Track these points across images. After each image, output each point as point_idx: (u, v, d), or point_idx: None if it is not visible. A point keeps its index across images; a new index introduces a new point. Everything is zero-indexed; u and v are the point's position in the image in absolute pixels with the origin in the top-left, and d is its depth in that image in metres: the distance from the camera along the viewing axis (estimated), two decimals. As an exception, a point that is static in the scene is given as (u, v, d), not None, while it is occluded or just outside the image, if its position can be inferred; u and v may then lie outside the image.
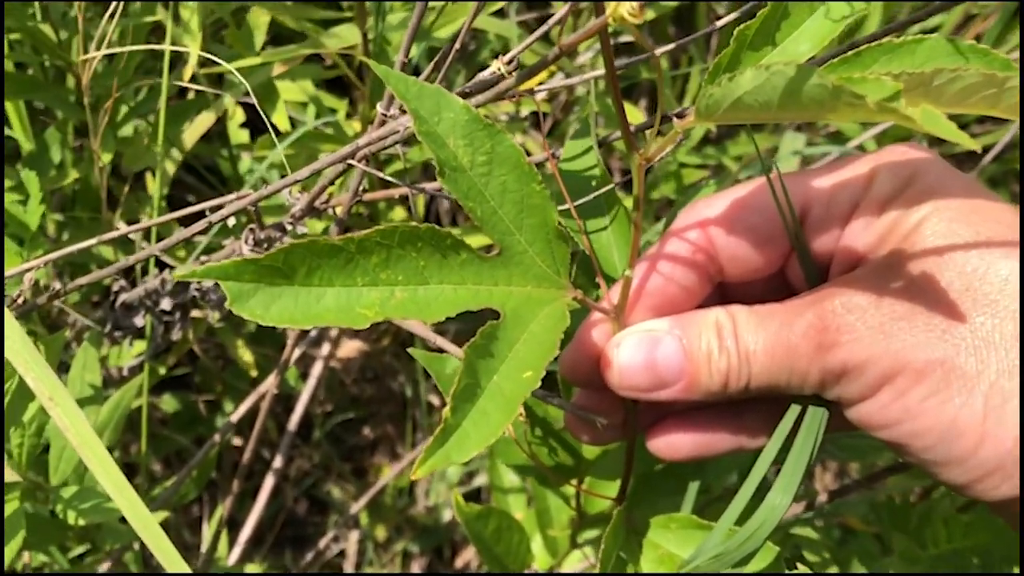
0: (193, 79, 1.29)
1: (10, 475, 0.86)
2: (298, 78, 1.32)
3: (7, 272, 0.84)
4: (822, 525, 1.11)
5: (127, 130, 1.28)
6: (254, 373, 1.49)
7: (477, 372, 0.53)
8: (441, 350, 0.78)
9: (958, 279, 0.55)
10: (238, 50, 1.28)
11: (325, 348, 1.49)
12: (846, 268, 0.62)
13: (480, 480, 1.76)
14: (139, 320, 1.09)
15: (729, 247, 0.63)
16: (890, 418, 0.56)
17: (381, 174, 0.79)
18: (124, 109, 1.26)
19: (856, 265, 0.61)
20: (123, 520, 1.06)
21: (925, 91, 0.47)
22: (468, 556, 1.77)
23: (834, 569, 1.06)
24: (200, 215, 0.84)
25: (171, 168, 1.29)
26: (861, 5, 0.60)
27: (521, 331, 0.57)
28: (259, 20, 1.30)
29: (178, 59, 1.26)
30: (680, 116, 0.57)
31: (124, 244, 1.29)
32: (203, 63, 1.32)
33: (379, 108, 0.77)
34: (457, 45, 0.76)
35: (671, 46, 0.76)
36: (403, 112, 0.78)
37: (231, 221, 0.83)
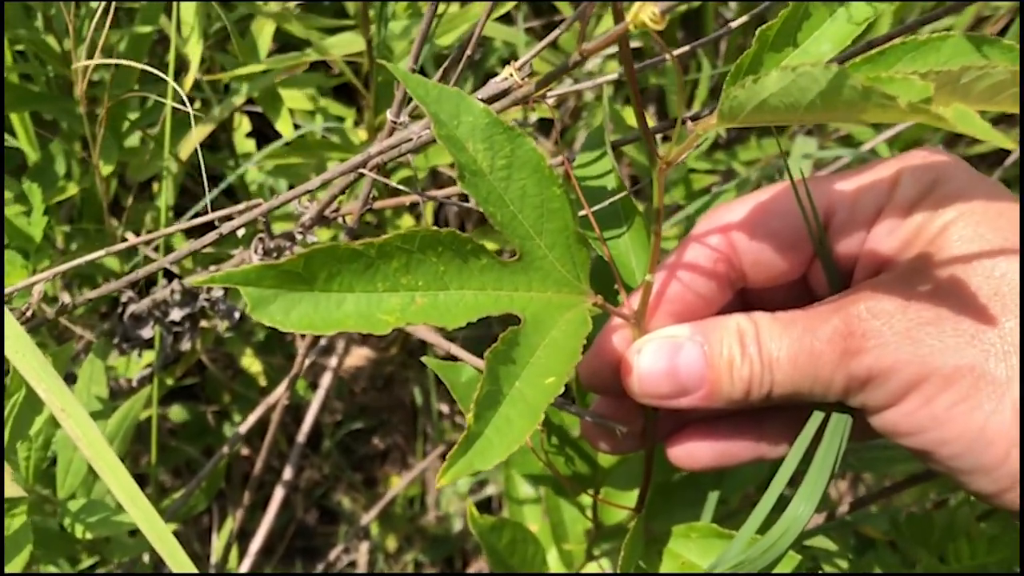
0: (196, 88, 1.28)
1: (17, 489, 0.86)
2: (303, 86, 1.31)
3: (16, 285, 0.83)
4: (838, 536, 1.10)
5: (132, 140, 1.27)
6: (263, 383, 1.49)
7: (499, 378, 0.53)
8: (453, 358, 0.78)
9: (986, 284, 0.54)
10: (243, 59, 1.28)
11: (334, 358, 1.49)
12: (870, 273, 0.61)
13: (491, 490, 1.75)
14: (148, 331, 1.08)
15: (752, 252, 0.63)
16: (917, 425, 0.55)
17: (391, 182, 0.78)
18: (128, 120, 1.25)
19: (880, 270, 0.61)
20: (131, 533, 1.05)
21: (952, 89, 0.46)
22: (480, 566, 1.76)
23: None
24: (209, 225, 0.83)
25: (174, 179, 1.29)
26: (882, 6, 0.60)
27: (542, 337, 0.56)
28: (263, 29, 1.29)
29: (182, 69, 1.26)
30: (696, 119, 0.56)
31: (130, 255, 1.28)
32: (207, 71, 1.32)
33: (389, 115, 0.77)
34: (469, 51, 0.75)
35: (686, 48, 0.75)
36: (412, 119, 0.77)
37: (240, 231, 0.82)
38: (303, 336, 1.40)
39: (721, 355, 0.60)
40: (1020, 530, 0.59)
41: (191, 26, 1.19)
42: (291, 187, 1.35)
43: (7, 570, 0.84)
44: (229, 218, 0.82)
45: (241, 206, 0.84)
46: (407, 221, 1.41)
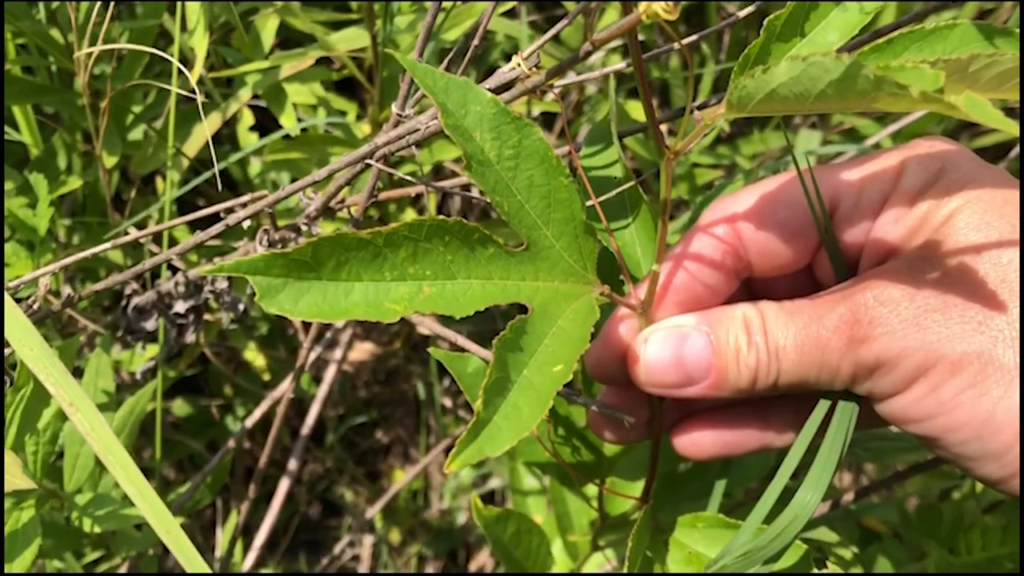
0: (200, 83, 1.28)
1: (27, 481, 0.86)
2: (307, 80, 1.31)
3: (23, 278, 0.83)
4: (843, 527, 1.10)
5: (136, 134, 1.27)
6: (266, 377, 1.49)
7: (507, 366, 0.53)
8: (459, 348, 0.78)
9: (992, 271, 0.54)
10: (247, 53, 1.28)
11: (338, 352, 1.49)
12: (876, 262, 0.61)
13: (495, 483, 1.76)
14: (152, 324, 1.08)
15: (758, 241, 0.63)
16: (924, 412, 0.56)
17: (397, 172, 0.78)
18: (132, 112, 1.25)
19: (886, 258, 0.61)
20: (138, 527, 1.05)
21: (961, 77, 0.47)
22: (483, 559, 1.76)
23: (858, 569, 1.05)
24: (213, 218, 0.83)
25: (178, 172, 1.29)
26: (888, -4, 0.60)
27: (550, 326, 0.56)
28: (267, 23, 1.29)
29: (185, 64, 1.26)
30: (703, 108, 0.56)
31: (133, 248, 1.28)
32: (211, 67, 1.32)
33: (394, 108, 0.77)
34: (476, 42, 0.75)
35: (694, 37, 0.75)
36: (418, 112, 0.77)
37: (245, 224, 0.82)
38: (306, 330, 1.40)
39: (727, 344, 0.60)
40: (1021, 502, 0.59)
41: (196, 19, 1.19)
42: (294, 181, 1.35)
43: (17, 565, 0.84)
44: (233, 211, 0.83)
45: (246, 198, 0.84)
46: (410, 214, 1.41)
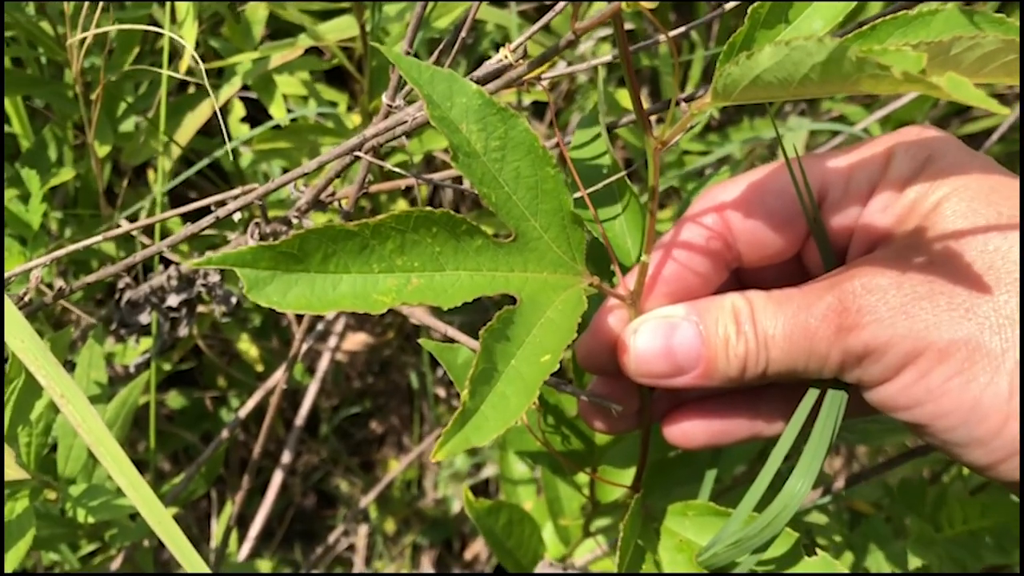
0: (191, 74, 1.28)
1: (20, 472, 0.86)
2: (296, 71, 1.31)
3: (14, 270, 0.83)
4: (832, 510, 1.11)
5: (127, 125, 1.27)
6: (260, 368, 1.49)
7: (494, 356, 0.53)
8: (451, 340, 0.78)
9: (980, 258, 0.55)
10: (236, 44, 1.27)
11: (331, 342, 1.49)
12: (864, 250, 0.62)
13: (488, 472, 1.76)
14: (145, 317, 1.08)
15: (747, 231, 0.63)
16: (912, 399, 0.56)
17: (387, 164, 0.78)
18: (123, 104, 1.25)
19: (875, 246, 0.61)
20: (132, 517, 1.05)
21: (944, 60, 0.47)
22: (478, 548, 1.76)
23: (848, 553, 1.06)
24: (205, 210, 0.83)
25: (170, 162, 1.29)
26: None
27: (538, 316, 0.56)
28: (257, 14, 1.29)
29: (176, 55, 1.26)
30: (690, 100, 0.56)
31: (126, 240, 1.28)
32: (201, 58, 1.32)
33: (384, 99, 0.77)
34: (463, 34, 0.75)
35: (682, 29, 0.75)
36: (408, 103, 0.77)
37: (236, 216, 0.82)
38: (299, 321, 1.41)
39: (717, 334, 0.61)
40: (1020, 501, 0.59)
41: (186, 10, 1.19)
42: (285, 172, 1.35)
43: (11, 556, 0.84)
44: (224, 203, 0.83)
45: (237, 191, 0.84)
46: (402, 206, 1.42)
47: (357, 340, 1.68)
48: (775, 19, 0.59)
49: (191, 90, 1.32)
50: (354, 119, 1.34)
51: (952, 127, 1.64)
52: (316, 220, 1.23)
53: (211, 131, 1.40)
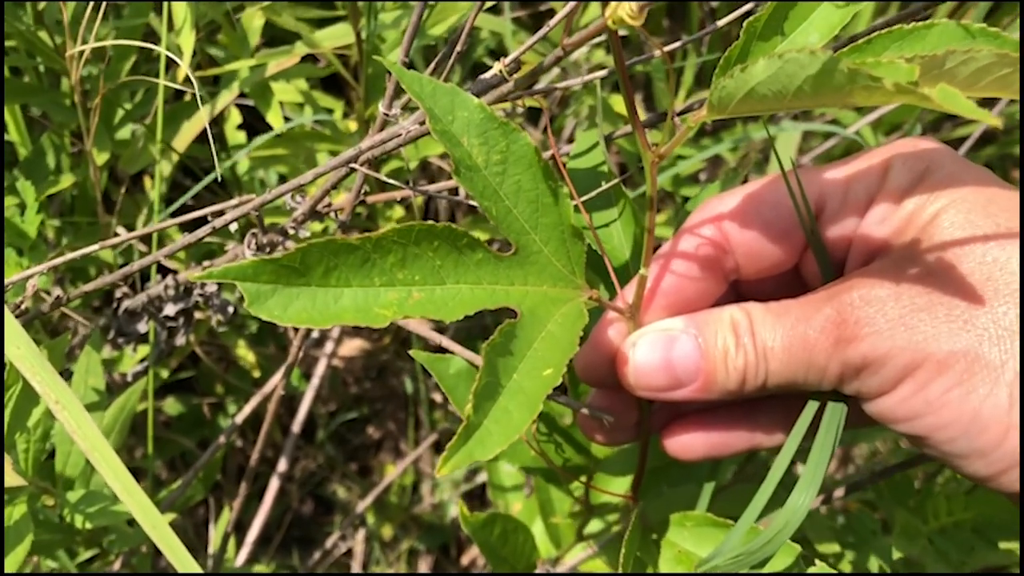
0: (188, 82, 1.28)
1: (17, 478, 0.86)
2: (293, 78, 1.31)
3: (11, 279, 0.83)
4: (826, 512, 1.11)
5: (124, 133, 1.27)
6: (257, 374, 1.49)
7: (497, 370, 0.53)
8: (442, 349, 0.78)
9: (978, 269, 0.55)
10: (233, 51, 1.28)
11: (328, 348, 1.49)
12: (862, 261, 0.62)
13: (484, 477, 1.76)
14: (142, 326, 1.08)
15: (745, 242, 0.63)
16: (912, 411, 0.56)
17: (383, 176, 0.79)
18: (120, 112, 1.25)
19: (872, 258, 0.61)
20: (130, 523, 1.05)
21: (938, 74, 0.47)
22: (474, 553, 1.76)
23: (847, 559, 1.06)
24: (202, 220, 0.84)
25: (167, 169, 1.29)
26: (867, -1, 0.60)
27: (539, 330, 0.57)
28: (253, 22, 1.29)
29: (173, 63, 1.26)
30: (686, 113, 0.56)
31: (124, 249, 1.28)
32: (198, 65, 1.32)
33: (380, 108, 0.77)
34: (459, 47, 0.75)
35: (677, 45, 0.75)
36: (404, 111, 0.77)
37: (233, 226, 0.83)
38: (296, 328, 1.41)
39: (716, 347, 0.61)
40: (1021, 513, 0.60)
41: (183, 18, 1.19)
42: (282, 179, 1.36)
43: (10, 561, 0.84)
44: (221, 213, 0.83)
45: (233, 201, 0.84)
46: (397, 212, 1.42)
47: (354, 346, 1.68)
48: (771, 32, 0.59)
49: (188, 98, 1.32)
50: (350, 126, 1.35)
51: (944, 131, 1.64)
52: (313, 230, 1.23)
53: (207, 137, 1.40)
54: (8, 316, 0.68)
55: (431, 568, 1.77)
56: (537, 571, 0.95)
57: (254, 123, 1.40)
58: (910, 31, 0.56)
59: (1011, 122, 1.58)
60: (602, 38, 1.40)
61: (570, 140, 1.46)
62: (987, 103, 1.50)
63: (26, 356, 0.67)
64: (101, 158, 1.19)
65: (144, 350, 1.24)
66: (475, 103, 0.57)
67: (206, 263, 1.02)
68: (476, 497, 1.78)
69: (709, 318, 0.62)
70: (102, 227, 1.25)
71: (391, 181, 0.76)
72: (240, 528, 1.45)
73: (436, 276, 0.56)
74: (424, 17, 1.24)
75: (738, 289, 0.68)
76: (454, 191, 0.83)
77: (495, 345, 0.54)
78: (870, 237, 0.61)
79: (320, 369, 1.46)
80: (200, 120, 1.27)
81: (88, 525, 0.95)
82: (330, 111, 1.38)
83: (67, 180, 1.19)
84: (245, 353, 1.49)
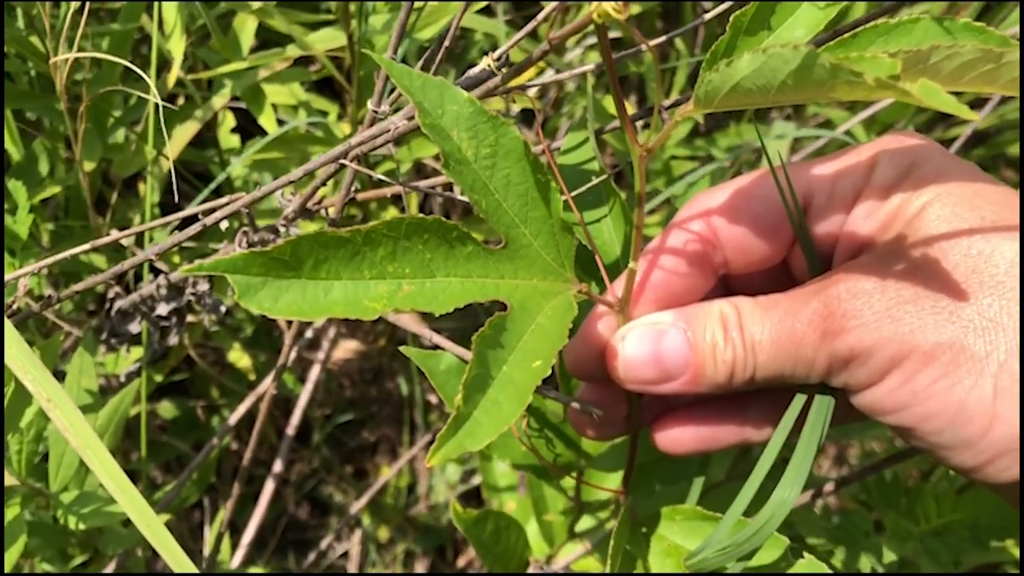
0: (180, 85, 1.28)
1: (10, 481, 0.86)
2: (286, 81, 1.32)
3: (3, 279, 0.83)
4: (820, 509, 1.12)
5: (117, 137, 1.27)
6: (251, 377, 1.49)
7: (487, 362, 0.53)
8: (435, 347, 0.78)
9: (963, 262, 0.55)
10: (226, 55, 1.28)
11: (322, 351, 1.49)
12: (850, 255, 0.62)
13: (479, 479, 1.76)
14: (135, 326, 1.08)
15: (734, 237, 0.63)
16: (899, 402, 0.56)
17: (373, 173, 0.79)
18: (113, 116, 1.25)
19: (860, 252, 0.61)
20: (125, 524, 1.05)
21: (922, 69, 0.47)
22: (471, 555, 1.76)
23: (838, 553, 1.06)
24: (193, 219, 0.84)
25: (160, 175, 1.29)
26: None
27: (529, 323, 0.57)
28: (246, 25, 1.30)
29: (164, 67, 1.26)
30: (674, 107, 0.57)
31: (116, 252, 1.28)
32: (190, 68, 1.32)
33: (370, 105, 0.77)
34: (447, 43, 0.75)
35: (662, 39, 0.76)
36: (394, 109, 0.77)
37: (224, 225, 0.83)
38: (289, 327, 1.41)
39: (704, 340, 0.61)
40: (1020, 506, 0.60)
41: (173, 23, 1.20)
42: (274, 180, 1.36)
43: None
44: (212, 211, 0.83)
45: (224, 199, 0.84)
46: (392, 214, 1.42)
47: (348, 348, 1.68)
48: (757, 26, 0.59)
49: (180, 101, 1.32)
50: (344, 128, 1.35)
51: (937, 131, 1.65)
52: (305, 228, 1.23)
53: (202, 141, 1.40)
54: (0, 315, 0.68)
55: (427, 570, 1.77)
56: (530, 570, 0.95)
57: (248, 125, 1.40)
58: (895, 25, 0.57)
59: (1002, 122, 1.58)
60: (596, 40, 1.40)
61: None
62: (978, 104, 1.51)
63: (18, 356, 0.67)
64: (89, 165, 1.19)
65: (138, 351, 1.24)
66: (464, 97, 0.58)
67: (199, 262, 1.02)
68: (472, 498, 1.78)
69: (698, 312, 0.62)
70: (94, 231, 1.25)
71: (383, 178, 0.76)
72: (235, 531, 1.45)
73: (426, 269, 0.56)
74: (413, 20, 1.24)
75: (727, 283, 0.69)
76: (447, 187, 0.83)
77: (485, 337, 0.54)
78: (857, 232, 0.61)
79: (315, 371, 1.46)
80: (193, 124, 1.27)
81: (82, 526, 0.95)
82: (324, 113, 1.38)
83: (53, 188, 1.19)
84: (239, 356, 1.49)
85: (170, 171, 1.28)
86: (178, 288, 1.06)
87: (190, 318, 1.30)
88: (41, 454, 0.94)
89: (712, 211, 0.64)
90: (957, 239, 0.56)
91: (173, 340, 1.10)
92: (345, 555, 1.73)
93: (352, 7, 1.21)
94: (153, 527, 0.65)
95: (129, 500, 0.65)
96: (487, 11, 1.45)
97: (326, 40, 1.26)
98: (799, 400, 0.64)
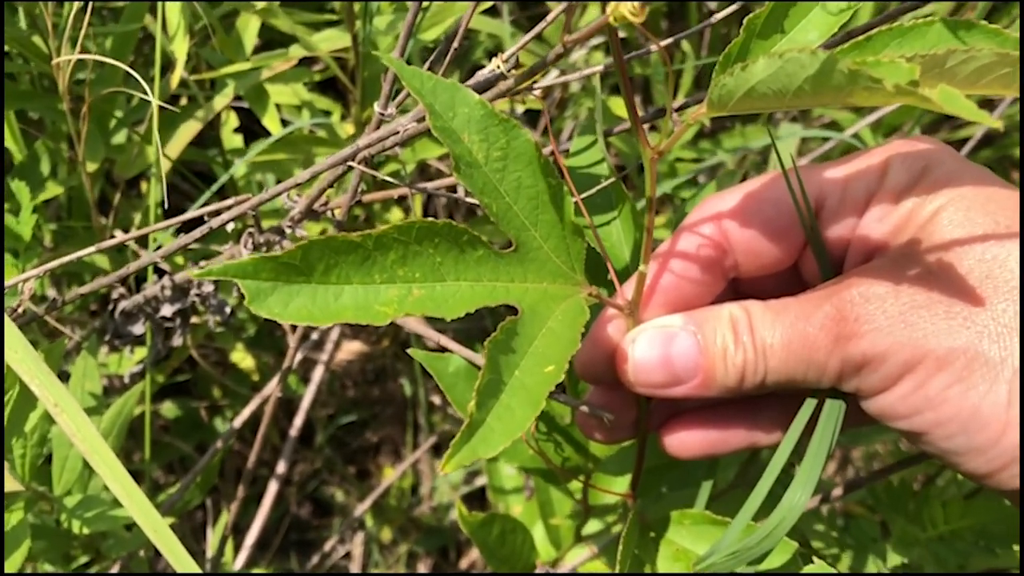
0: (183, 85, 1.28)
1: (13, 485, 0.86)
2: (290, 81, 1.31)
3: (7, 282, 0.83)
4: (827, 513, 1.11)
5: (119, 138, 1.27)
6: (255, 378, 1.49)
7: (499, 368, 0.53)
8: (442, 348, 0.78)
9: (978, 267, 0.55)
10: (229, 55, 1.27)
11: (326, 352, 1.49)
12: (861, 260, 0.62)
13: (483, 480, 1.76)
14: (139, 327, 1.08)
15: (744, 240, 0.63)
16: (911, 408, 0.56)
17: (380, 174, 0.79)
18: (115, 117, 1.25)
19: (871, 256, 0.61)
20: (128, 528, 1.05)
21: (939, 73, 0.47)
22: (474, 556, 1.76)
23: (845, 558, 1.06)
24: (198, 221, 0.83)
25: (164, 172, 1.28)
26: (868, -5, 0.60)
27: (540, 327, 0.57)
28: (249, 25, 1.29)
29: (168, 67, 1.26)
30: (684, 109, 0.56)
31: (120, 253, 1.28)
32: (194, 68, 1.32)
33: (376, 108, 0.77)
34: (456, 44, 0.75)
35: (671, 40, 0.75)
36: (400, 112, 0.77)
37: (229, 226, 0.82)
38: (294, 330, 1.41)
39: (715, 344, 0.61)
40: (1021, 510, 0.59)
41: (177, 23, 1.19)
42: (279, 182, 1.35)
43: (7, 568, 0.84)
44: (218, 213, 0.83)
45: (230, 201, 0.84)
46: (396, 215, 1.42)
47: (352, 349, 1.68)
48: (770, 29, 0.59)
49: (184, 102, 1.32)
50: (348, 128, 1.35)
51: (942, 132, 1.64)
52: (310, 230, 1.23)
53: (205, 141, 1.40)
54: (6, 319, 0.67)
55: (430, 571, 1.76)
56: (536, 572, 0.95)
57: (252, 126, 1.40)
58: (910, 28, 0.56)
59: (1010, 123, 1.58)
60: (601, 40, 1.40)
61: (569, 141, 1.47)
62: (988, 105, 1.50)
63: (24, 359, 0.66)
64: (92, 166, 1.19)
65: (141, 352, 1.23)
66: (476, 99, 0.57)
67: (203, 263, 1.02)
68: (476, 500, 1.78)
69: (708, 315, 0.61)
70: (97, 232, 1.25)
71: (389, 179, 0.75)
72: (238, 532, 1.45)
73: (436, 273, 0.56)
74: (419, 21, 1.24)
75: (737, 287, 0.68)
76: (452, 189, 0.82)
77: (497, 342, 0.53)
78: (869, 235, 0.61)
79: (318, 373, 1.46)
80: (195, 124, 1.27)
81: (86, 530, 0.95)
82: (328, 114, 1.38)
83: (56, 189, 1.18)
84: (242, 357, 1.48)
85: (170, 172, 1.28)
86: (182, 289, 1.05)
87: (194, 319, 1.29)
88: (44, 457, 0.93)
89: (723, 214, 0.63)
90: (971, 244, 0.55)
91: (177, 341, 1.10)
92: (348, 556, 1.73)
93: (356, 7, 1.20)
94: (159, 531, 0.65)
95: (135, 504, 0.65)
96: (492, 11, 1.45)
97: (330, 40, 1.26)
98: (809, 404, 0.64)
